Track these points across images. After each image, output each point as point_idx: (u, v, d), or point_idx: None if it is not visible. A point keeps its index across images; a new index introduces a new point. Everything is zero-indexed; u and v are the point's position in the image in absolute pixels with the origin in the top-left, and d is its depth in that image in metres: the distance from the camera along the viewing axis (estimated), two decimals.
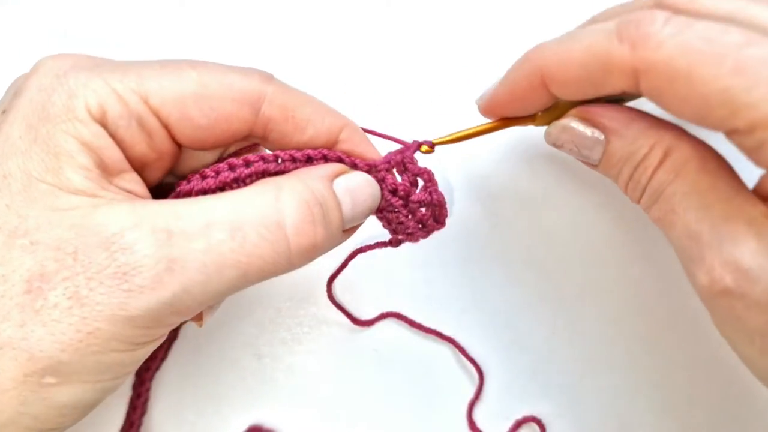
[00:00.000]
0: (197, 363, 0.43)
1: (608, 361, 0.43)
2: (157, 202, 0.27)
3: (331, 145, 0.32)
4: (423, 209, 0.34)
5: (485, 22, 0.47)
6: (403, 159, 0.33)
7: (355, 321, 0.42)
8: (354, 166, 0.32)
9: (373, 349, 0.43)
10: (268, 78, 0.30)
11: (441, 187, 0.34)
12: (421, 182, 0.34)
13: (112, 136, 0.27)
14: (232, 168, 0.30)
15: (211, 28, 0.47)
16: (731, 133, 0.25)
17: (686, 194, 0.28)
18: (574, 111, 0.32)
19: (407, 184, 0.33)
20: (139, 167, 0.29)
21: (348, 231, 0.32)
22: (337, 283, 0.41)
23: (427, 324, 0.43)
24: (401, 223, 0.34)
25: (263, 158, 0.30)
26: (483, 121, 0.35)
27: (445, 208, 0.35)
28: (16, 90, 0.29)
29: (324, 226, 0.28)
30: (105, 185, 0.27)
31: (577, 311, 0.43)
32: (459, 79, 0.46)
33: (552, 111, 0.33)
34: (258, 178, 0.30)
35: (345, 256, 0.38)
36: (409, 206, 0.33)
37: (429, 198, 0.33)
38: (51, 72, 0.28)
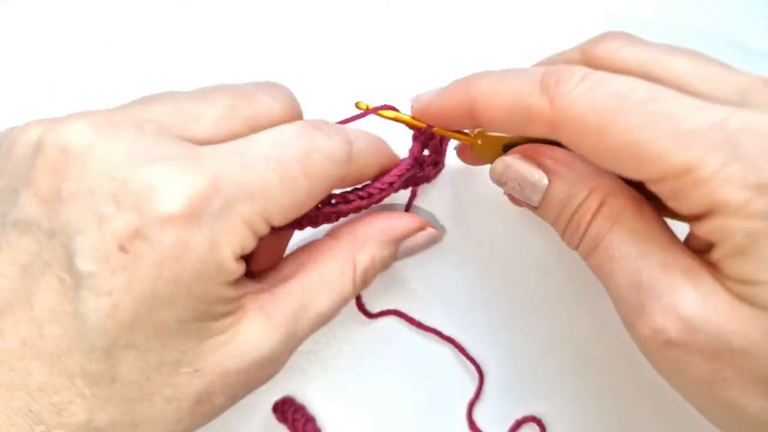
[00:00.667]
0: None
1: (608, 361, 0.43)
2: (277, 300, 0.31)
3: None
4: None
5: (486, 21, 0.47)
6: (425, 139, 0.37)
7: (363, 310, 0.43)
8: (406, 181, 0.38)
9: (374, 350, 0.44)
10: (349, 152, 0.32)
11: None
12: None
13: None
14: (332, 203, 0.35)
15: (211, 29, 0.47)
16: (648, 183, 0.27)
17: (625, 242, 0.28)
18: (519, 148, 0.33)
19: (434, 153, 0.39)
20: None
21: None
22: None
23: (427, 324, 0.43)
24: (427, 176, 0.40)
25: (359, 196, 0.35)
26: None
27: (445, 146, 0.40)
28: (137, 227, 0.24)
29: (373, 275, 0.36)
30: (237, 292, 0.29)
31: (577, 311, 0.43)
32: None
33: (488, 141, 0.35)
34: (338, 217, 0.35)
35: None
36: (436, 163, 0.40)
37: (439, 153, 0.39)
38: (187, 218, 0.25)
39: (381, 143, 0.36)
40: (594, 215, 0.30)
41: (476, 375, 0.42)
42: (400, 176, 0.36)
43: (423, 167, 0.39)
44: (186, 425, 0.29)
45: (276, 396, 0.43)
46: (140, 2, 0.48)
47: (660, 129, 0.25)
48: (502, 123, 0.31)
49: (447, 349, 0.43)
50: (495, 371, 0.43)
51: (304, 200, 0.30)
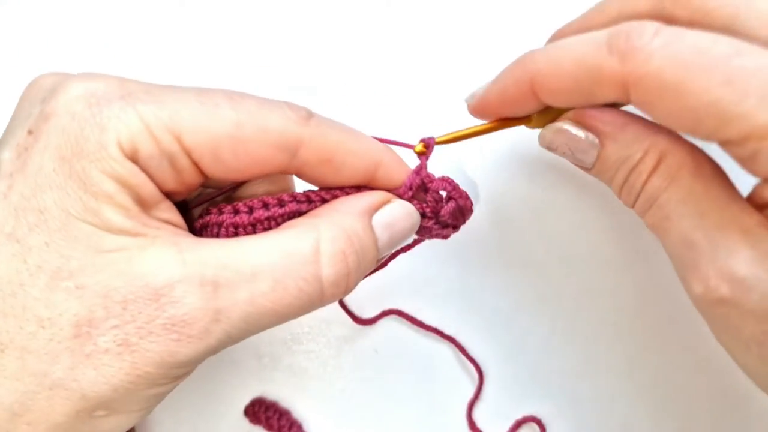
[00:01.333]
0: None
1: (608, 362, 0.43)
2: (200, 246, 0.27)
3: (367, 182, 0.31)
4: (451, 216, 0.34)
5: (485, 21, 0.47)
6: (422, 180, 0.32)
7: (357, 320, 0.42)
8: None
9: (374, 350, 0.44)
10: (306, 118, 0.29)
11: (462, 184, 0.34)
12: (443, 192, 0.34)
13: (144, 171, 0.27)
14: (266, 206, 0.30)
15: (210, 28, 0.47)
16: (724, 144, 0.26)
17: (681, 201, 0.27)
18: (569, 114, 0.32)
19: (434, 202, 0.33)
20: (169, 195, 0.29)
21: (381, 262, 0.33)
22: None
23: (427, 323, 0.43)
24: (436, 234, 0.34)
25: (296, 198, 0.30)
26: (478, 122, 0.35)
27: (470, 202, 0.35)
28: (42, 111, 0.27)
29: (358, 272, 0.29)
30: (145, 220, 0.27)
31: (577, 311, 0.43)
32: (459, 78, 0.46)
33: (547, 113, 0.33)
34: (290, 218, 0.30)
35: None
36: (440, 221, 0.33)
37: (456, 205, 0.34)
38: (82, 98, 0.26)
39: (368, 138, 0.31)
40: (650, 175, 0.28)
41: (476, 375, 0.42)
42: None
43: (428, 213, 0.33)
44: (63, 370, 0.25)
45: (284, 394, 0.43)
46: (140, 2, 0.48)
47: (747, 87, 0.23)
48: (568, 93, 0.29)
49: (447, 350, 0.43)
50: (495, 371, 0.43)
51: (229, 133, 0.27)
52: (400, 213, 0.31)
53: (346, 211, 0.30)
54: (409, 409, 0.43)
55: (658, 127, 0.29)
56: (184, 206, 0.33)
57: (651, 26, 0.25)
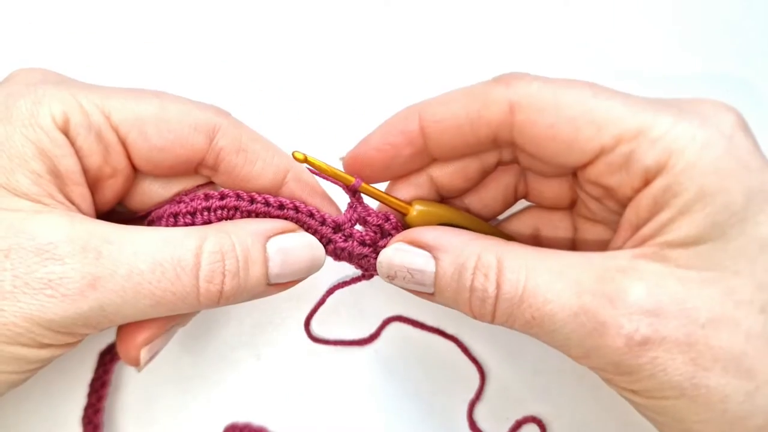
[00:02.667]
0: (197, 364, 0.43)
1: None
2: (94, 221, 0.28)
3: (278, 185, 0.33)
4: None
5: (484, 22, 0.47)
6: (361, 212, 0.34)
7: (361, 342, 0.43)
8: (322, 222, 0.33)
9: (374, 350, 0.43)
10: (225, 113, 0.32)
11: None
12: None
13: (71, 144, 0.29)
14: (207, 198, 0.32)
15: (210, 28, 0.47)
16: (599, 155, 0.28)
17: (548, 282, 0.27)
18: (399, 235, 0.32)
19: (372, 233, 0.34)
20: (92, 182, 0.31)
21: (282, 285, 0.33)
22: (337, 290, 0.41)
23: (428, 324, 0.43)
24: (373, 265, 0.34)
25: (238, 195, 0.32)
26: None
27: None
28: None
29: (236, 279, 0.30)
30: (53, 193, 0.28)
31: None
32: (458, 79, 0.46)
33: (425, 213, 0.33)
34: (227, 213, 0.32)
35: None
36: (378, 251, 0.34)
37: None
38: (22, 81, 0.30)
39: (275, 146, 0.34)
40: (500, 271, 0.28)
41: (476, 375, 0.42)
42: (298, 211, 0.32)
43: (367, 241, 0.34)
44: None
45: (276, 396, 0.43)
46: (140, 2, 0.48)
47: (612, 99, 0.27)
48: (458, 121, 0.30)
49: (447, 350, 0.43)
50: (496, 371, 0.43)
51: (153, 113, 0.30)
52: (298, 243, 0.33)
53: (243, 228, 0.31)
54: (410, 409, 0.43)
55: (483, 236, 0.31)
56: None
57: (527, 73, 0.30)
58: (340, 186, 0.33)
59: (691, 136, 0.26)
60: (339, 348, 0.43)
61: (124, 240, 0.28)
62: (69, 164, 0.29)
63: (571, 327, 0.27)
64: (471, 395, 0.43)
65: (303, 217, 0.33)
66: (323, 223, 0.33)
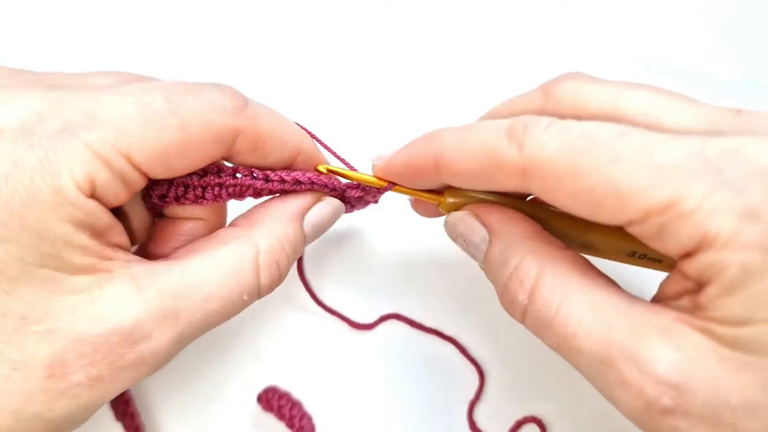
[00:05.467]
0: (197, 364, 0.43)
1: None
2: (156, 274, 0.28)
3: (289, 164, 0.34)
4: None
5: (484, 23, 0.47)
6: (371, 191, 0.35)
7: (356, 325, 0.42)
8: (333, 189, 0.34)
9: (373, 350, 0.43)
10: (243, 107, 0.30)
11: None
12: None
13: (100, 201, 0.27)
14: (219, 172, 0.32)
15: (209, 27, 0.47)
16: (630, 225, 0.25)
17: (583, 316, 0.26)
18: (470, 206, 0.32)
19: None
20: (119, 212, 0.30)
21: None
22: (337, 284, 0.41)
23: (427, 324, 0.43)
24: (364, 200, 0.37)
25: (252, 174, 0.32)
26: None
27: None
28: None
29: (288, 269, 0.33)
30: (101, 252, 0.27)
31: None
32: (457, 79, 0.46)
33: (456, 200, 0.33)
34: (240, 189, 0.32)
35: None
36: (363, 188, 0.36)
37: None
38: (21, 137, 0.25)
39: (294, 126, 0.33)
40: (535, 287, 0.27)
41: (476, 375, 0.42)
42: (314, 183, 0.33)
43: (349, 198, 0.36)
44: (39, 405, 0.25)
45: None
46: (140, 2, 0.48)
47: (634, 163, 0.24)
48: (470, 175, 0.29)
49: (447, 350, 0.43)
50: (495, 372, 0.43)
51: (175, 141, 0.27)
52: (329, 211, 0.35)
53: (280, 217, 0.32)
54: (410, 409, 0.43)
55: (541, 238, 0.29)
56: None
57: (545, 119, 0.27)
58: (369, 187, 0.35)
59: (729, 207, 0.22)
60: (336, 348, 0.43)
61: (193, 288, 0.28)
62: (105, 220, 0.27)
63: (595, 371, 0.26)
64: (471, 395, 0.43)
65: (318, 188, 0.34)
66: (334, 189, 0.35)
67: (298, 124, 0.34)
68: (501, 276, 0.29)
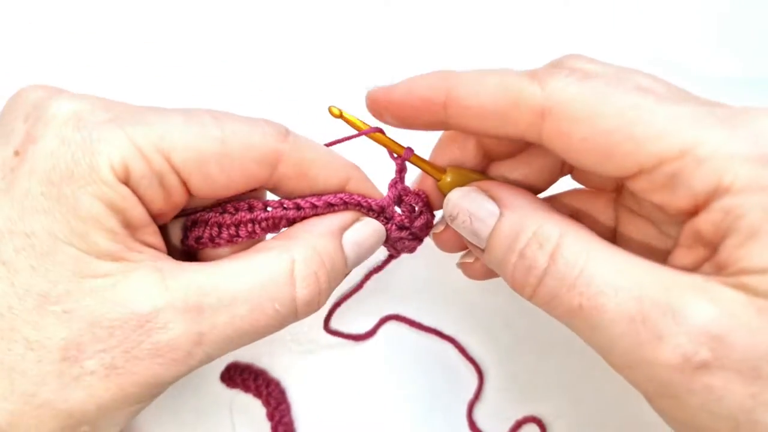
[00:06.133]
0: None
1: None
2: (183, 271, 0.28)
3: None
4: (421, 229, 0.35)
5: (484, 23, 0.47)
6: (400, 191, 0.34)
7: (357, 337, 0.43)
8: (369, 209, 0.33)
9: (374, 350, 0.43)
10: (285, 134, 0.30)
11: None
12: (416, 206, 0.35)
13: (134, 192, 0.27)
14: (251, 209, 0.31)
15: (209, 27, 0.47)
16: (639, 175, 0.25)
17: (608, 273, 0.25)
18: (476, 182, 0.32)
19: (409, 214, 0.34)
20: (156, 218, 0.30)
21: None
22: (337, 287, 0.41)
23: (426, 324, 0.43)
24: (405, 246, 0.35)
25: (282, 205, 0.31)
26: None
27: (434, 219, 0.36)
28: (29, 132, 0.27)
29: (329, 288, 0.31)
30: (130, 243, 0.27)
31: None
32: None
33: (456, 179, 0.33)
34: (274, 222, 0.32)
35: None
36: (412, 232, 0.35)
37: (427, 219, 0.35)
38: (70, 121, 0.26)
39: (337, 156, 0.33)
40: (556, 248, 0.26)
41: (476, 375, 0.42)
42: (347, 204, 0.32)
43: (395, 224, 0.34)
44: (51, 391, 0.25)
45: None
46: (140, 2, 0.48)
47: (655, 111, 0.24)
48: (484, 112, 0.28)
49: (447, 350, 0.43)
50: (495, 372, 0.43)
51: (216, 151, 0.28)
52: (368, 231, 0.33)
53: (318, 232, 0.31)
54: (410, 409, 0.43)
55: (555, 210, 0.29)
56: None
57: (569, 63, 0.27)
58: (387, 151, 0.33)
59: (745, 153, 0.23)
60: (337, 349, 0.43)
61: (219, 287, 0.28)
62: (138, 213, 0.27)
63: (622, 330, 0.24)
64: (471, 395, 0.43)
65: (351, 208, 0.33)
66: (369, 209, 0.33)
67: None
68: (514, 246, 0.28)
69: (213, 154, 0.28)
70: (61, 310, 0.25)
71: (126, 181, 0.26)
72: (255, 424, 0.42)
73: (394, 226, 0.34)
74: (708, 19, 0.47)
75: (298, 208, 0.31)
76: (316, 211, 0.32)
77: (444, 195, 0.33)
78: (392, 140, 0.33)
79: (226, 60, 0.47)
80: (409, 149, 0.33)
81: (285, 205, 0.31)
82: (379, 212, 0.34)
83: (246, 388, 0.41)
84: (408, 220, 0.34)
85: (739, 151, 0.23)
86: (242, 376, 0.42)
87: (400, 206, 0.34)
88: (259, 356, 0.43)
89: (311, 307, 0.30)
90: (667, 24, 0.47)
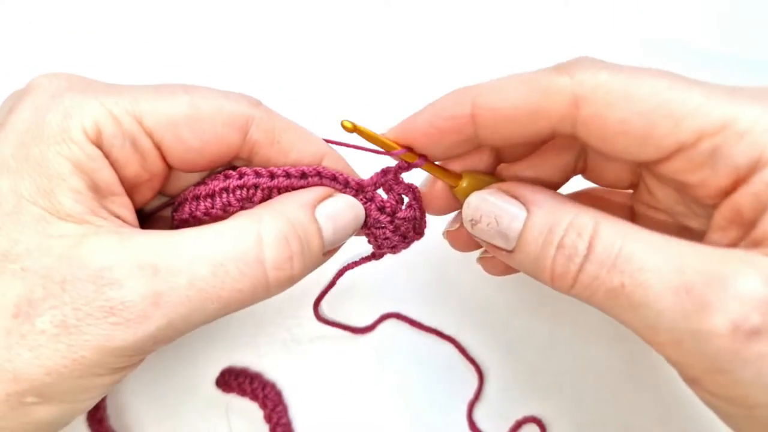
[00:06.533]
0: (198, 363, 0.43)
1: (608, 361, 0.43)
2: (143, 234, 0.27)
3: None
4: (406, 223, 0.34)
5: (484, 22, 0.47)
6: (390, 179, 0.33)
7: (354, 330, 0.43)
8: (346, 184, 0.33)
9: (373, 350, 0.43)
10: (256, 103, 0.31)
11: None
12: (405, 198, 0.34)
13: (106, 156, 0.28)
14: (226, 178, 0.31)
15: (209, 27, 0.47)
16: (678, 153, 0.25)
17: (648, 250, 0.25)
18: (495, 185, 0.31)
19: (394, 202, 0.34)
20: (129, 188, 0.30)
21: (329, 252, 0.32)
22: (337, 286, 0.41)
23: (427, 324, 0.43)
24: (387, 238, 0.34)
25: (256, 172, 0.31)
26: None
27: (425, 221, 0.35)
28: (11, 107, 0.28)
29: (302, 257, 0.29)
30: (95, 208, 0.27)
31: (577, 312, 0.43)
32: (457, 79, 0.46)
33: (472, 184, 0.32)
34: (248, 193, 0.31)
35: (331, 272, 0.38)
36: (395, 222, 0.34)
37: (414, 214, 0.34)
38: (46, 92, 0.28)
39: (311, 133, 0.33)
40: (595, 233, 0.26)
41: (476, 375, 0.42)
42: (321, 176, 0.31)
43: (387, 209, 0.34)
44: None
45: (285, 395, 0.43)
46: (139, 3, 0.48)
47: (689, 89, 0.24)
48: (513, 113, 0.27)
49: (447, 350, 0.43)
50: (495, 372, 0.43)
51: (186, 114, 0.29)
52: (343, 205, 0.32)
53: (289, 204, 0.30)
54: (409, 409, 0.43)
55: (579, 203, 0.29)
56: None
57: (591, 58, 0.27)
58: (397, 160, 0.32)
59: None
60: (336, 348, 0.43)
61: (178, 247, 0.27)
62: (107, 177, 0.28)
63: (667, 304, 0.24)
64: (471, 395, 0.43)
65: (326, 182, 0.32)
66: (346, 185, 0.33)
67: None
68: (551, 238, 0.27)
69: (183, 117, 0.29)
70: (19, 268, 0.25)
71: (98, 143, 0.27)
72: (253, 428, 0.42)
73: (374, 206, 0.33)
74: (709, 21, 0.47)
75: (272, 176, 0.31)
76: (290, 182, 0.31)
77: (461, 201, 0.32)
78: (410, 151, 0.32)
79: (226, 60, 0.47)
80: (423, 156, 0.32)
81: (258, 173, 0.31)
82: (357, 190, 0.33)
83: (242, 392, 0.41)
84: (390, 208, 0.33)
85: None
86: (237, 380, 0.42)
87: (388, 194, 0.34)
88: (257, 358, 0.43)
89: (283, 273, 0.28)
90: (667, 24, 0.47)
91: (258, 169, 0.31)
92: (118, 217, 0.29)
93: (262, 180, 0.31)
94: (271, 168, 0.31)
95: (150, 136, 0.29)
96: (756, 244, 0.24)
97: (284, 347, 0.44)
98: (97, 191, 0.28)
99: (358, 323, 0.43)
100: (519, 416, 0.42)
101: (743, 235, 0.25)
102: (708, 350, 0.23)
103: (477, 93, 0.28)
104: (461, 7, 0.47)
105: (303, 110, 0.46)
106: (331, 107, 0.46)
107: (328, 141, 0.34)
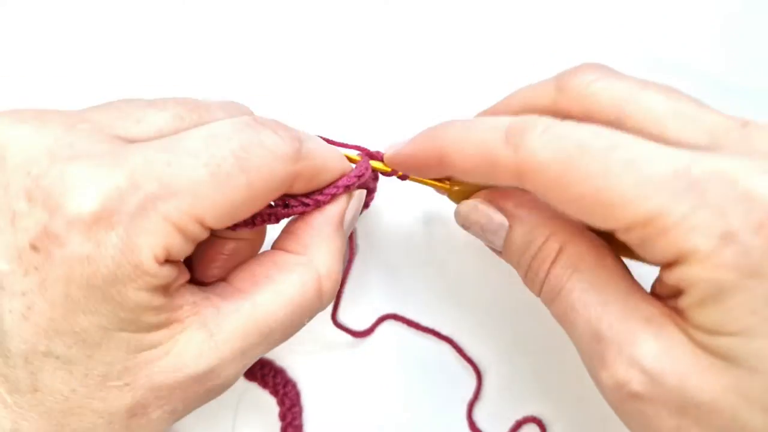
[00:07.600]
0: None
1: None
2: (225, 318, 0.29)
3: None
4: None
5: (484, 22, 0.47)
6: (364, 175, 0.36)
7: (355, 334, 0.43)
8: (357, 184, 0.35)
9: (371, 351, 0.43)
10: (299, 150, 0.30)
11: None
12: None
13: (172, 263, 0.27)
14: (304, 204, 0.33)
15: (208, 26, 0.47)
16: (616, 233, 0.26)
17: (585, 291, 0.28)
18: (482, 192, 0.33)
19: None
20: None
21: None
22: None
23: (425, 324, 0.43)
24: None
25: (303, 202, 0.33)
26: None
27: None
28: (47, 228, 0.24)
29: (340, 278, 0.34)
30: (172, 305, 0.28)
31: None
32: (456, 79, 0.46)
33: (466, 188, 0.34)
34: (276, 218, 0.33)
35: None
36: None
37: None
38: (102, 219, 0.24)
39: (335, 150, 0.34)
40: (553, 263, 0.29)
41: (474, 375, 0.42)
42: (349, 186, 0.34)
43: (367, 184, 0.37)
44: None
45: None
46: (140, 3, 0.48)
47: (622, 177, 0.25)
48: (471, 172, 0.30)
49: (446, 350, 0.43)
50: (495, 371, 0.43)
51: (243, 198, 0.27)
52: (356, 206, 0.35)
53: (328, 233, 0.33)
54: (409, 409, 0.43)
55: (563, 217, 0.29)
56: None
57: (543, 122, 0.27)
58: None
59: (707, 228, 0.23)
60: (335, 348, 0.43)
61: (260, 325, 0.30)
62: (175, 276, 0.28)
63: (585, 346, 0.28)
64: (470, 395, 0.43)
65: (340, 192, 0.34)
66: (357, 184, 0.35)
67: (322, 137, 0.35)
68: (525, 256, 0.31)
69: (241, 203, 0.28)
70: (122, 384, 0.27)
71: (169, 258, 0.26)
72: (262, 421, 0.42)
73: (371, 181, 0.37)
74: (712, 22, 0.47)
75: (318, 204, 0.33)
76: (328, 201, 0.33)
77: (455, 202, 0.35)
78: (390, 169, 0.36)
79: (225, 60, 0.47)
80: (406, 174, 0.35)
81: (306, 202, 0.33)
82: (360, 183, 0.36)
83: (264, 384, 0.42)
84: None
85: (701, 224, 0.23)
86: (262, 371, 0.42)
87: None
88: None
89: (331, 301, 0.33)
90: (667, 25, 0.47)
91: (304, 199, 0.33)
92: (181, 285, 0.29)
93: (309, 208, 0.33)
94: (317, 197, 0.33)
95: (209, 228, 0.27)
96: (678, 312, 0.26)
97: (284, 347, 0.43)
98: (170, 293, 0.28)
99: (355, 325, 0.43)
100: (519, 416, 0.42)
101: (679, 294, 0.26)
102: (602, 393, 0.28)
103: (442, 144, 0.30)
104: (461, 7, 0.47)
105: (302, 110, 0.46)
106: (330, 106, 0.46)
107: (327, 141, 0.34)
